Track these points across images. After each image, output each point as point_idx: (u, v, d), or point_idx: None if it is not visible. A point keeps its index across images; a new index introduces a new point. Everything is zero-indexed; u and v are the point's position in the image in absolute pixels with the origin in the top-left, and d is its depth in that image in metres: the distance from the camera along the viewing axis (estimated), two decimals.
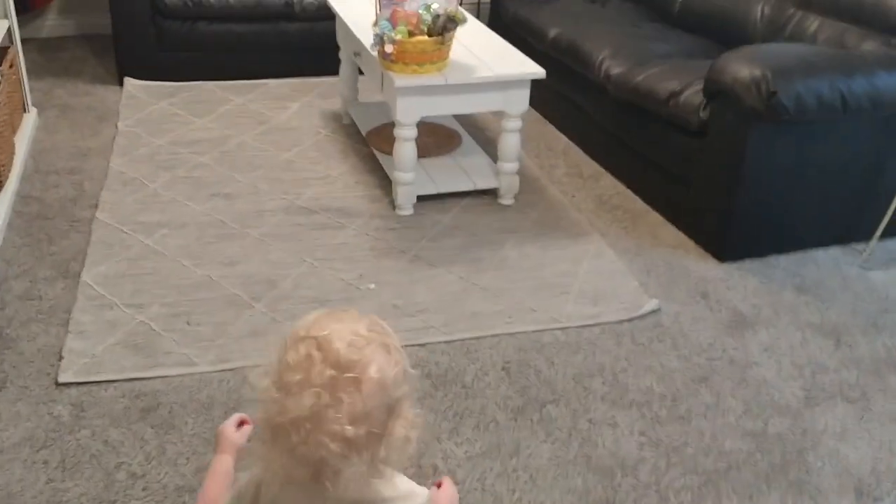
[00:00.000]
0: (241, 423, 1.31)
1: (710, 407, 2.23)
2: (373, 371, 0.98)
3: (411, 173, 3.09)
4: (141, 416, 2.13)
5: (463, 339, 2.44)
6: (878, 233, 2.91)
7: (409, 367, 1.04)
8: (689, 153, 2.97)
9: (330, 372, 0.96)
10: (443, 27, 2.82)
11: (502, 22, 4.34)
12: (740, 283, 2.77)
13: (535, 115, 4.02)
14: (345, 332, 0.99)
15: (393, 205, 3.16)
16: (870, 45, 2.97)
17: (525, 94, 3.04)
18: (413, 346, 2.40)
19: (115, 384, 2.23)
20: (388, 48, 2.82)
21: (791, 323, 2.58)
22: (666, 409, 2.21)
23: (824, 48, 2.96)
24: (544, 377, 2.30)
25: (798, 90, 2.55)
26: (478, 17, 5.28)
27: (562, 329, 2.51)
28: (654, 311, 2.60)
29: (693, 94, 2.94)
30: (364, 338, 0.99)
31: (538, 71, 3.01)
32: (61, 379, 2.22)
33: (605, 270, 2.83)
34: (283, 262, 2.79)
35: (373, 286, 2.68)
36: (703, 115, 2.86)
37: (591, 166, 3.58)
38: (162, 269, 2.73)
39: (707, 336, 2.50)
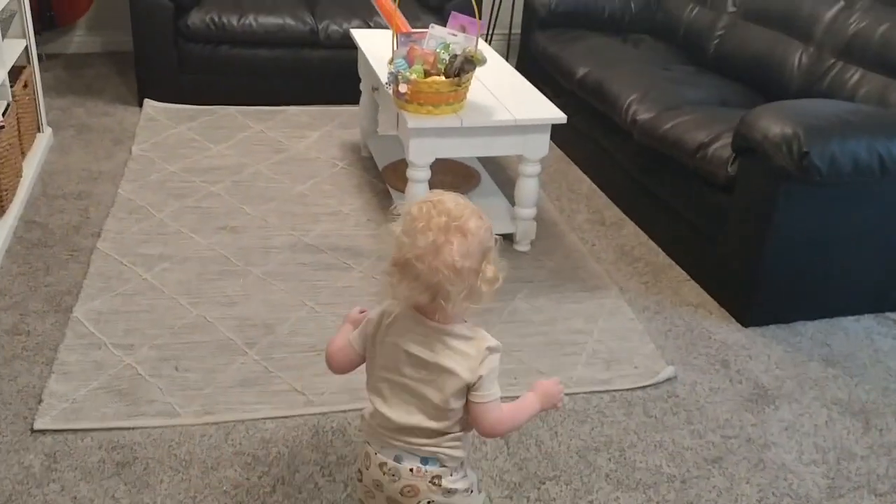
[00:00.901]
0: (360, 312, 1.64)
1: (722, 492, 2.06)
2: (472, 224, 1.38)
3: None
4: (115, 470, 2.01)
5: None
6: None
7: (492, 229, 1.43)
8: (716, 208, 2.82)
9: (444, 219, 1.36)
10: (460, 68, 2.70)
11: (531, 57, 4.22)
12: (764, 351, 2.60)
13: (559, 153, 3.89)
14: (450, 199, 1.41)
15: None
16: None
17: (545, 139, 2.91)
18: None
19: (93, 433, 2.11)
20: (403, 88, 2.70)
21: (816, 399, 2.41)
22: (674, 493, 2.05)
23: (864, 106, 2.79)
24: (546, 450, 2.15)
25: (832, 151, 2.39)
26: (507, 50, 5.19)
27: (569, 395, 2.36)
28: (669, 380, 2.45)
29: (722, 147, 2.79)
30: (463, 205, 1.40)
31: (559, 116, 2.88)
32: (37, 425, 2.12)
33: (621, 330, 2.68)
34: (283, 305, 2.68)
35: None
36: (732, 170, 2.71)
37: (613, 213, 3.43)
38: (157, 306, 2.63)
39: (724, 410, 2.34)
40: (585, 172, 3.76)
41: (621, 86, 3.42)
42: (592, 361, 2.51)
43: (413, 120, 2.76)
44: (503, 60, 3.44)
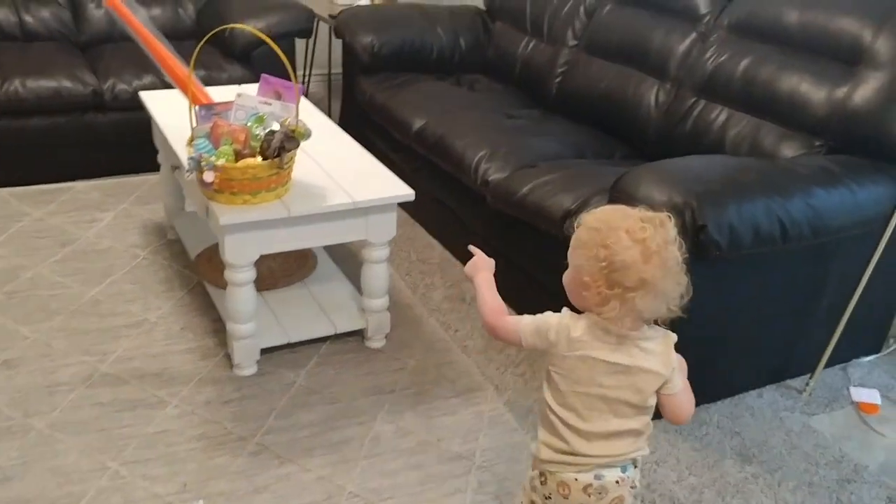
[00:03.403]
0: None
1: None
2: (677, 237, 1.45)
3: (250, 324, 2.42)
4: None
5: None
6: (820, 369, 2.46)
7: None
8: None
9: (664, 235, 1.42)
10: (280, 147, 2.18)
11: (357, 105, 3.74)
12: (671, 452, 2.24)
13: (403, 215, 3.42)
14: (657, 214, 1.45)
15: (230, 361, 2.48)
16: (791, 148, 2.53)
17: (391, 219, 2.44)
18: None
19: None
20: (209, 176, 2.14)
21: None
22: None
23: (749, 160, 2.48)
24: None
25: (730, 221, 2.05)
26: (329, 93, 4.69)
27: None
28: None
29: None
30: (665, 216, 1.46)
31: (406, 192, 2.41)
32: None
33: (505, 447, 2.23)
34: (78, 472, 2.05)
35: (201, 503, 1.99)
36: None
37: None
38: None
39: None
40: (435, 237, 3.31)
41: (466, 140, 3.00)
42: (481, 498, 2.05)
43: (226, 214, 2.21)
44: (334, 125, 2.92)
